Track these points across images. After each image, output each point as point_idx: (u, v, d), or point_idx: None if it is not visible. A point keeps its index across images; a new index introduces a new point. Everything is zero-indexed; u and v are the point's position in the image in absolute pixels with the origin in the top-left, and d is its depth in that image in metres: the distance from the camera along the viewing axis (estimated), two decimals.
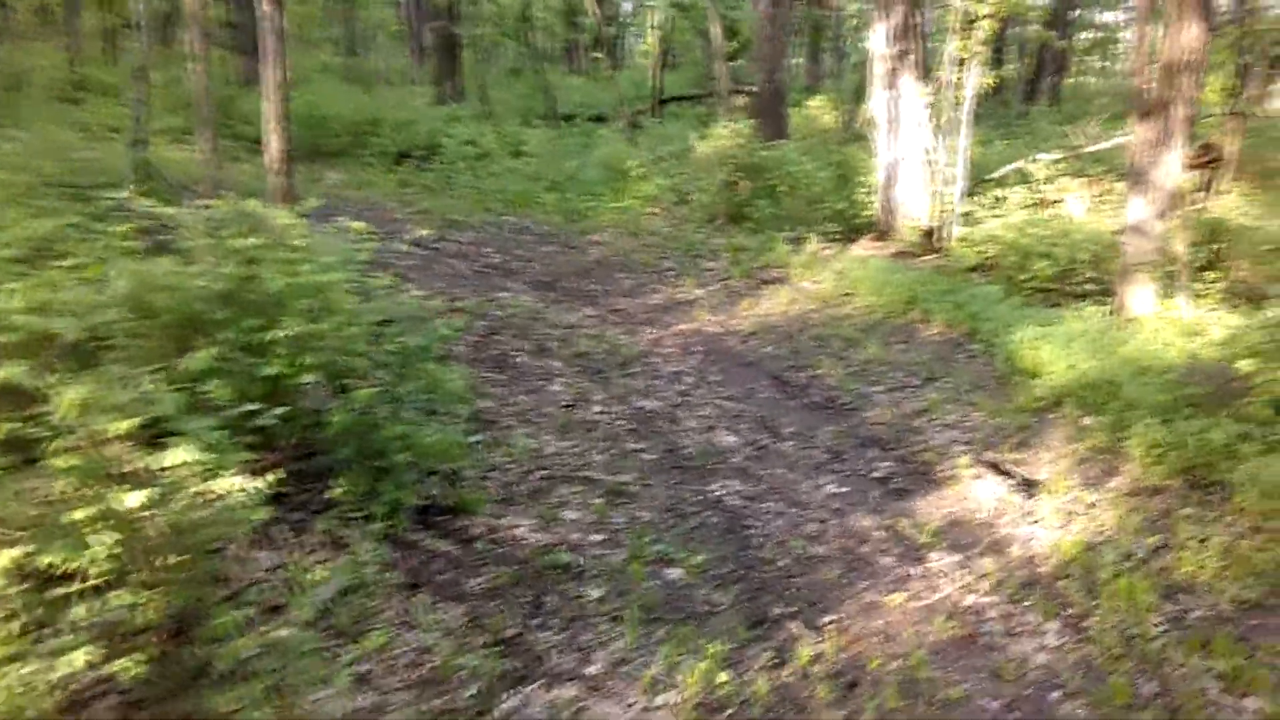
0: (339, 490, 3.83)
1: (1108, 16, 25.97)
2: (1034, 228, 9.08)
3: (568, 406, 6.14)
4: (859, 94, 16.71)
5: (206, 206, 4.57)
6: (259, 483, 2.69)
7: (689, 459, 5.52)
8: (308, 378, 3.75)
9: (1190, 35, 7.62)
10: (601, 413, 6.13)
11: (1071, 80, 25.35)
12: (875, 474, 5.42)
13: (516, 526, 4.44)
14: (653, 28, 19.93)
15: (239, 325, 3.74)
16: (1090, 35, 26.14)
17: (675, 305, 8.95)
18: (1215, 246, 8.79)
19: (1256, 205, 9.75)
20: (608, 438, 5.72)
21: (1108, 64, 28.72)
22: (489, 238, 11.36)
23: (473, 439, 5.15)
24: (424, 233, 5.21)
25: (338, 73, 24.27)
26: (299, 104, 16.23)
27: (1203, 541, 4.44)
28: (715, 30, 13.21)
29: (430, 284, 8.96)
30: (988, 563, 4.40)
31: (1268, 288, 8.23)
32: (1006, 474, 5.32)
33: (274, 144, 6.03)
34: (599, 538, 4.46)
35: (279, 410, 3.36)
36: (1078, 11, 22.13)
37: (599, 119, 18.82)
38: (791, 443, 5.86)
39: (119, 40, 21.65)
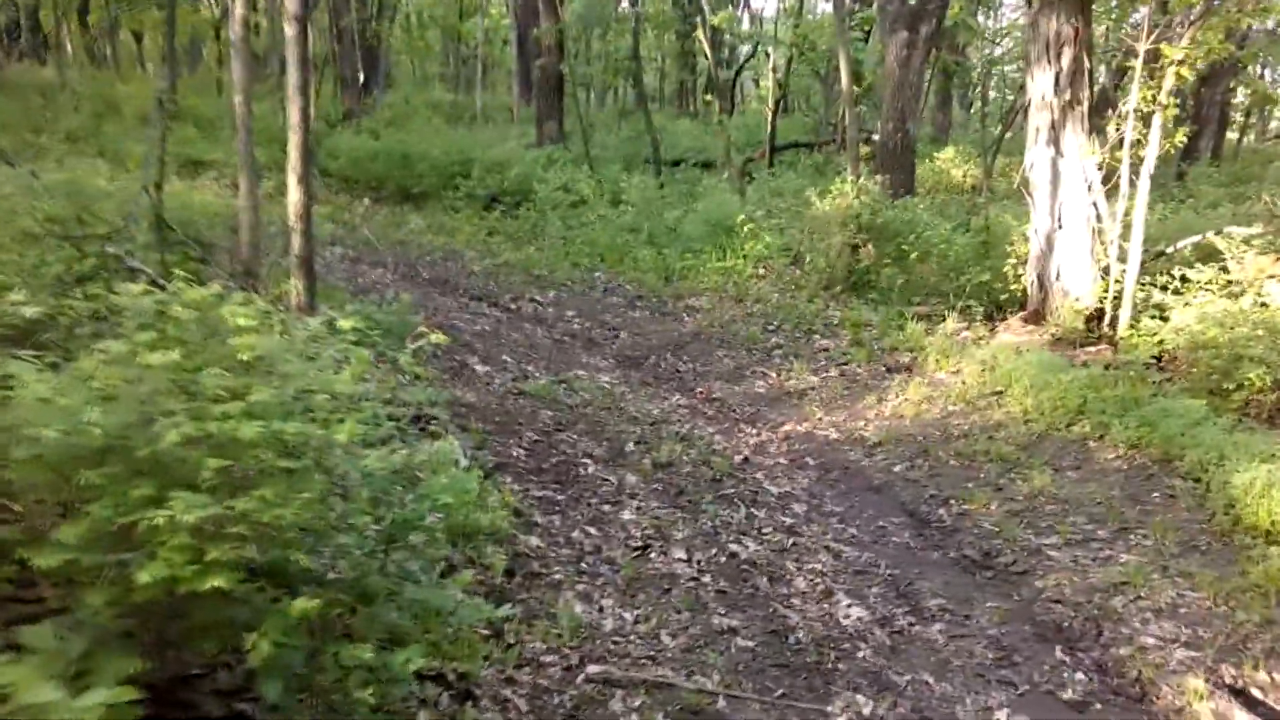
0: None
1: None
2: (1238, 321, 7.26)
3: (640, 550, 4.70)
4: (999, 147, 15.02)
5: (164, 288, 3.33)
6: None
7: (798, 648, 4.00)
8: (217, 582, 2.40)
9: None
10: (684, 561, 4.67)
11: (1235, 138, 22.96)
12: (1066, 693, 3.81)
13: None
14: (770, 71, 18.51)
15: (120, 495, 2.42)
16: (1249, 91, 23.69)
17: (783, 396, 7.44)
18: None
19: None
20: (689, 605, 4.25)
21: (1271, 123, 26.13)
22: (573, 298, 10.07)
23: (503, 611, 3.74)
24: (434, 339, 3.84)
25: (444, 110, 23.63)
26: (388, 143, 15.43)
27: None
28: (845, 74, 11.69)
29: (497, 356, 7.68)
30: None
31: None
32: (1260, 710, 3.66)
33: (292, 193, 4.81)
34: None
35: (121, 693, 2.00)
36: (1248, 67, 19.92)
37: (707, 165, 17.48)
38: (940, 625, 4.29)
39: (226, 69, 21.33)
